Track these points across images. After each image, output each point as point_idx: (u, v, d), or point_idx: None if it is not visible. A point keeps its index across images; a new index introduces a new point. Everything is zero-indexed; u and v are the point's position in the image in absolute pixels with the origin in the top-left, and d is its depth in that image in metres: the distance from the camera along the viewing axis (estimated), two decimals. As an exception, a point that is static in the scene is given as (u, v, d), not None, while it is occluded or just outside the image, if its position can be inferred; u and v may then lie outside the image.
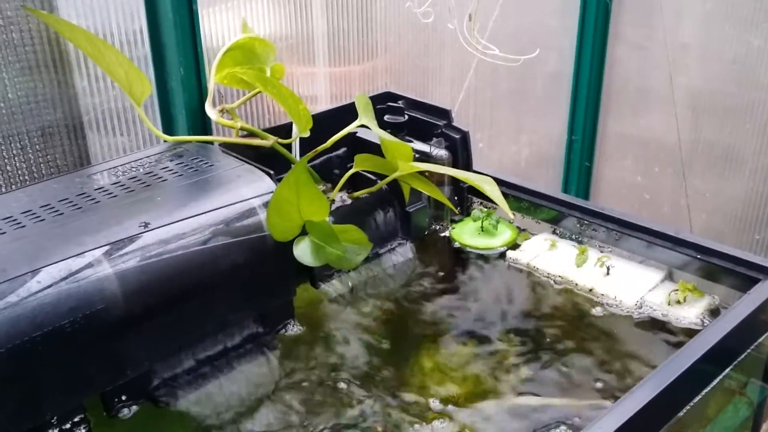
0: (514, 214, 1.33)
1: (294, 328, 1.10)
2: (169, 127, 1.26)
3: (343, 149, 1.32)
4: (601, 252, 1.25)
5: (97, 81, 1.20)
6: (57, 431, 0.87)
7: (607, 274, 1.20)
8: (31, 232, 0.89)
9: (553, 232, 1.33)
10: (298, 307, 1.11)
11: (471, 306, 1.19)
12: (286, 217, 1.00)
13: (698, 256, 1.15)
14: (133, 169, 1.05)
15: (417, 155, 1.23)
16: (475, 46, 1.44)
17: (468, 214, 1.38)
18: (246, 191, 1.02)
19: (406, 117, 1.38)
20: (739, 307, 1.02)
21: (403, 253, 1.26)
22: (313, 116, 1.10)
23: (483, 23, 1.59)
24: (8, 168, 1.14)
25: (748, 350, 1.04)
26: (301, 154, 1.18)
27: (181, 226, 0.94)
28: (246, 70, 1.17)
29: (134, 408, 0.94)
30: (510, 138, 2.09)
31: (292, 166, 0.99)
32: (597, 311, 1.15)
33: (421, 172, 1.14)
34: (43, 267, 0.84)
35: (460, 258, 1.30)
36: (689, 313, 1.11)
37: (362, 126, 1.14)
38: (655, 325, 1.11)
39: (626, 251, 1.24)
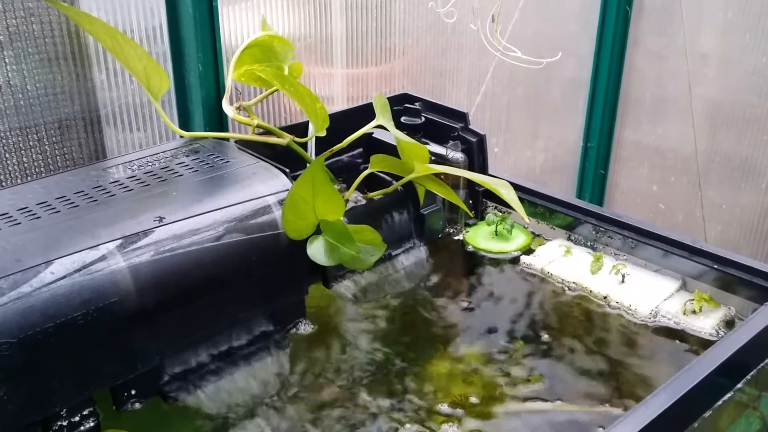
0: (529, 219, 1.33)
1: (305, 327, 1.09)
2: (185, 123, 1.26)
3: (359, 149, 1.31)
4: (617, 260, 1.25)
5: (115, 75, 1.20)
6: (66, 423, 0.87)
7: (622, 282, 1.19)
8: (46, 224, 0.89)
9: (568, 239, 1.32)
10: (309, 307, 1.10)
11: (483, 310, 1.18)
12: (301, 216, 0.99)
13: (715, 266, 1.14)
14: (149, 164, 1.06)
15: (433, 157, 1.22)
16: (497, 47, 1.44)
17: (482, 218, 1.37)
18: (261, 188, 1.01)
19: (423, 119, 1.38)
20: (755, 319, 1.01)
21: (416, 255, 1.25)
22: (330, 116, 1.10)
23: (502, 28, 1.59)
24: (25, 159, 1.14)
25: (763, 364, 1.02)
26: (317, 154, 1.18)
27: (196, 221, 0.94)
28: (264, 67, 1.17)
29: (143, 402, 0.94)
30: (525, 143, 2.08)
31: (308, 164, 0.99)
32: (611, 319, 1.14)
33: (437, 175, 1.14)
34: (57, 258, 0.84)
35: (473, 262, 1.29)
36: (704, 324, 1.10)
37: (379, 126, 1.14)
38: (670, 334, 1.10)
39: (642, 259, 1.23)
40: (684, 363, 0.93)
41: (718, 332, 1.09)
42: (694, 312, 1.12)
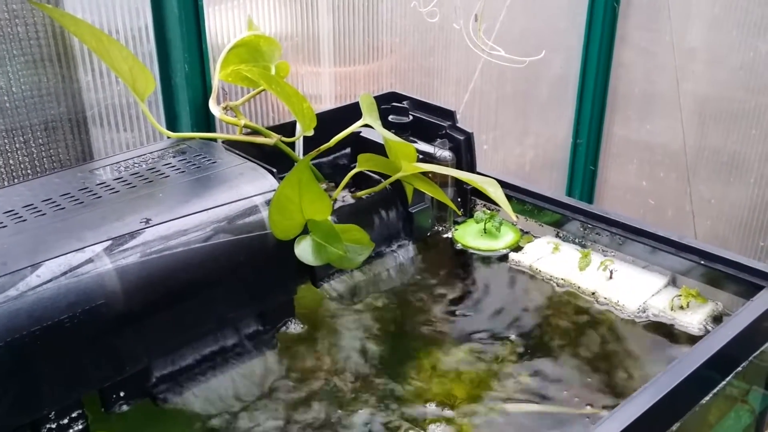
0: (517, 217, 1.33)
1: (294, 327, 1.09)
2: (172, 124, 1.25)
3: (347, 149, 1.31)
4: (605, 256, 1.25)
5: (101, 76, 1.20)
6: (55, 426, 0.87)
7: (610, 278, 1.19)
8: (32, 226, 0.89)
9: (557, 236, 1.33)
10: (298, 306, 1.10)
11: (472, 308, 1.19)
12: (287, 216, 0.99)
13: (702, 262, 1.15)
14: (136, 165, 1.05)
15: (420, 156, 1.23)
16: (481, 47, 1.44)
17: (471, 216, 1.37)
18: (248, 189, 1.01)
19: (411, 117, 1.38)
20: (743, 314, 1.01)
21: (405, 253, 1.26)
22: (317, 115, 1.10)
23: (490, 24, 1.59)
24: (11, 161, 1.14)
25: (751, 358, 1.03)
26: (305, 153, 1.18)
27: (183, 222, 0.94)
28: (251, 67, 1.16)
29: (132, 404, 0.93)
30: (515, 140, 2.09)
31: (295, 164, 0.99)
32: (599, 315, 1.14)
33: (425, 173, 1.14)
34: (44, 261, 0.83)
35: (462, 260, 1.29)
36: (692, 319, 1.10)
37: (366, 125, 1.14)
38: (658, 330, 1.11)
39: (630, 256, 1.23)
40: (672, 358, 0.93)
41: (705, 327, 1.10)
42: (681, 308, 1.12)
